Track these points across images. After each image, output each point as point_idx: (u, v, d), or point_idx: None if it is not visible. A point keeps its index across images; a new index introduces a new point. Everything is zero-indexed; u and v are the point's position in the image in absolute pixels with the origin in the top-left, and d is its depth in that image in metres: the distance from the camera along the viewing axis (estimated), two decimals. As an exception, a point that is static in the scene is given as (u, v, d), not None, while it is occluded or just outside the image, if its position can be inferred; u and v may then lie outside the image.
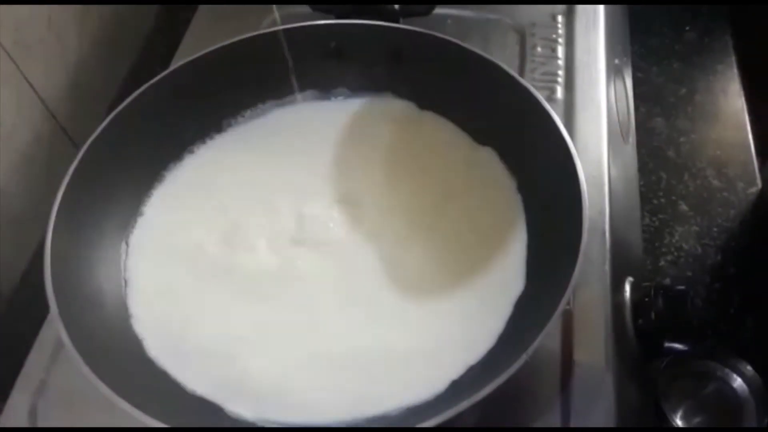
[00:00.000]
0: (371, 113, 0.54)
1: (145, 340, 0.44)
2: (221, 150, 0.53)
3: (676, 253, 0.57)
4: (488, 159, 0.50)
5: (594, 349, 0.45)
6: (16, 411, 0.45)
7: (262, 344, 0.44)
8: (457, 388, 0.41)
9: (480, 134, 0.51)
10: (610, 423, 0.42)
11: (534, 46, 0.60)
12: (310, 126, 0.54)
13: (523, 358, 0.36)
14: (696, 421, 0.46)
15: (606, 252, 0.48)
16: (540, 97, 0.46)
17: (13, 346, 0.48)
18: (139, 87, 0.49)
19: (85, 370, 0.37)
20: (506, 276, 0.45)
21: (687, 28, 0.72)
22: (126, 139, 0.48)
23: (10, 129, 0.53)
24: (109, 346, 0.42)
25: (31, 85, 0.54)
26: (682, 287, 0.48)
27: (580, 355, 0.44)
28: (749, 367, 0.47)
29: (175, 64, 0.51)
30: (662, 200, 0.60)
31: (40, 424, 0.44)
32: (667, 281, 0.55)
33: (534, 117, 0.46)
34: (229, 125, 0.54)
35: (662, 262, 0.56)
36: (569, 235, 0.40)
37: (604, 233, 0.49)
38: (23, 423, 0.44)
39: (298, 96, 0.54)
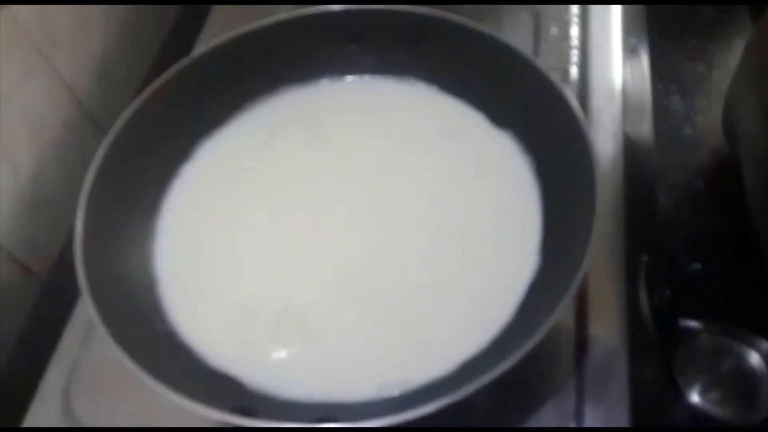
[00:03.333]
0: (389, 97, 0.54)
1: (172, 316, 0.45)
2: (242, 131, 0.54)
3: (692, 231, 0.56)
4: (506, 142, 0.50)
5: (609, 326, 0.45)
6: (51, 389, 0.46)
7: (290, 315, 0.45)
8: (469, 369, 0.41)
9: (498, 117, 0.52)
10: (625, 399, 0.42)
11: (548, 27, 0.60)
12: (329, 108, 0.54)
13: (535, 339, 0.36)
14: (712, 397, 0.45)
15: (621, 231, 0.48)
16: (553, 78, 0.46)
17: (48, 326, 0.50)
18: (163, 73, 0.49)
19: (113, 344, 0.38)
20: (521, 258, 0.45)
21: (704, 3, 0.70)
22: (152, 122, 0.49)
23: (40, 117, 0.54)
24: (138, 323, 0.44)
25: (59, 75, 0.55)
26: (698, 264, 0.48)
27: (594, 333, 0.45)
28: (766, 344, 0.47)
29: (198, 50, 0.52)
30: (679, 178, 0.59)
31: (74, 402, 0.46)
32: (683, 259, 0.55)
33: (548, 99, 0.46)
34: (252, 107, 0.54)
35: (679, 240, 0.56)
36: (583, 215, 0.41)
37: (619, 212, 0.49)
38: (57, 401, 0.46)
39: (318, 80, 0.55)
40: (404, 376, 0.42)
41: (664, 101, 0.63)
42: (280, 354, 0.44)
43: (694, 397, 0.45)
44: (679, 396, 0.46)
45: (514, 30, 0.59)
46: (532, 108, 0.48)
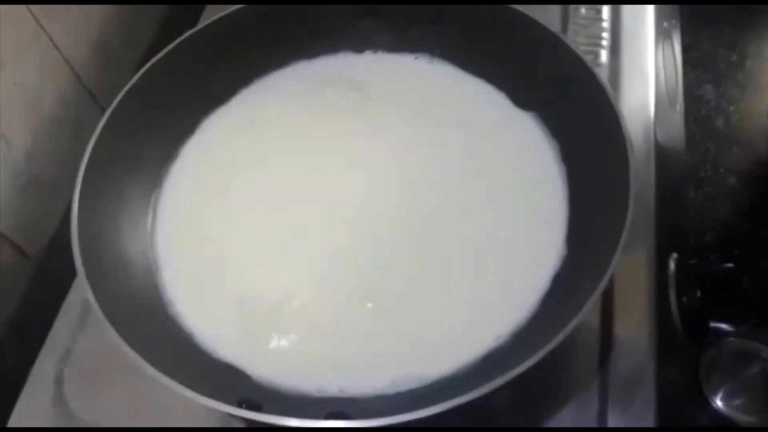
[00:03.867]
0: (405, 75, 0.52)
1: (172, 302, 0.44)
2: (248, 108, 0.52)
3: (722, 229, 0.54)
4: (530, 125, 0.48)
5: (635, 327, 0.43)
6: (42, 377, 0.45)
7: (294, 303, 0.43)
8: (490, 363, 0.39)
9: (521, 98, 0.49)
10: (650, 403, 0.41)
11: (577, 8, 0.57)
12: (342, 86, 0.52)
13: (560, 337, 0.34)
14: (737, 402, 0.43)
15: (651, 226, 0.46)
16: (586, 58, 0.44)
17: (40, 311, 0.48)
18: (164, 48, 0.48)
19: (111, 331, 0.37)
20: (544, 247, 0.43)
21: (737, 3, 0.68)
22: (152, 98, 0.47)
23: (36, 90, 0.52)
24: (136, 309, 0.42)
25: (56, 47, 0.54)
26: (730, 265, 0.46)
27: (620, 332, 0.43)
28: (795, 350, 0.45)
29: (202, 23, 0.50)
30: (709, 173, 0.57)
31: (66, 390, 0.44)
32: (713, 258, 0.52)
33: (578, 79, 0.44)
34: (259, 83, 0.53)
35: (708, 238, 0.54)
36: (613, 207, 0.39)
37: (649, 205, 0.47)
38: (49, 389, 0.44)
39: (330, 56, 0.53)
40: (420, 370, 0.40)
41: (695, 91, 0.61)
42: (285, 343, 0.42)
43: (719, 403, 0.44)
44: (704, 401, 0.44)
45: (541, 10, 0.56)
46: (558, 89, 0.46)
